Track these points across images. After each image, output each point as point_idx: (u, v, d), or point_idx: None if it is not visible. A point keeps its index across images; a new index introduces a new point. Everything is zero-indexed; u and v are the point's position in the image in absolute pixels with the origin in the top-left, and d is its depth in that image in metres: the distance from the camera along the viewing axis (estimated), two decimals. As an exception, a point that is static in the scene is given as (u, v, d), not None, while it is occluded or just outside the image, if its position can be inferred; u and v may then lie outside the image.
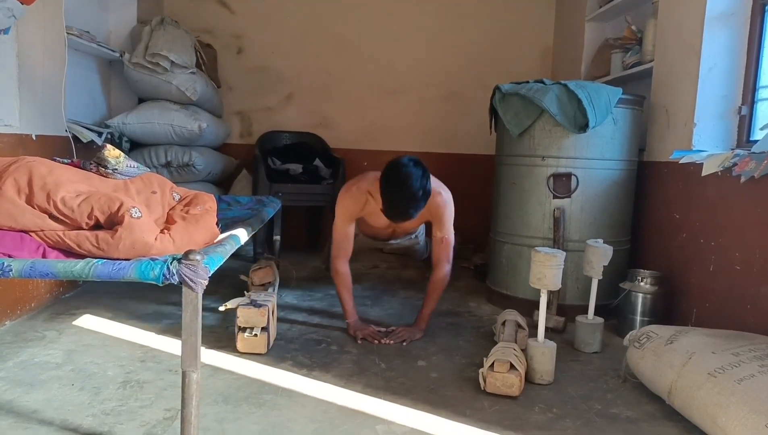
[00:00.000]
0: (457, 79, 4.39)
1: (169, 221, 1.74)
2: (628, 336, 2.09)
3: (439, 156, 4.35)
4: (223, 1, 4.25)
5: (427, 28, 4.37)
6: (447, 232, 2.45)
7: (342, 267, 2.45)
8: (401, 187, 2.15)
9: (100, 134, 3.08)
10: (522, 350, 2.07)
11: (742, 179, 2.19)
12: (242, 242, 1.92)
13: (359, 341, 2.36)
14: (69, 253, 1.53)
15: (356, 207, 2.42)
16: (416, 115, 4.42)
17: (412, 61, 4.38)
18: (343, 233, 2.45)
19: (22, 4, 2.19)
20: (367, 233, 2.77)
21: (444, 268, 2.46)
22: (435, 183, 2.42)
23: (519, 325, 2.33)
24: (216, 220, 1.83)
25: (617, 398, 1.95)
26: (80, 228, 1.54)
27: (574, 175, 2.71)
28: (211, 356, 2.12)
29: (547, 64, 4.45)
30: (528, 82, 2.82)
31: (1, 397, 1.74)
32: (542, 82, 2.77)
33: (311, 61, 4.33)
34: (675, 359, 1.81)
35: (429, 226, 2.57)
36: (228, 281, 3.06)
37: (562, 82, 2.70)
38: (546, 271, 2.02)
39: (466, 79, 4.37)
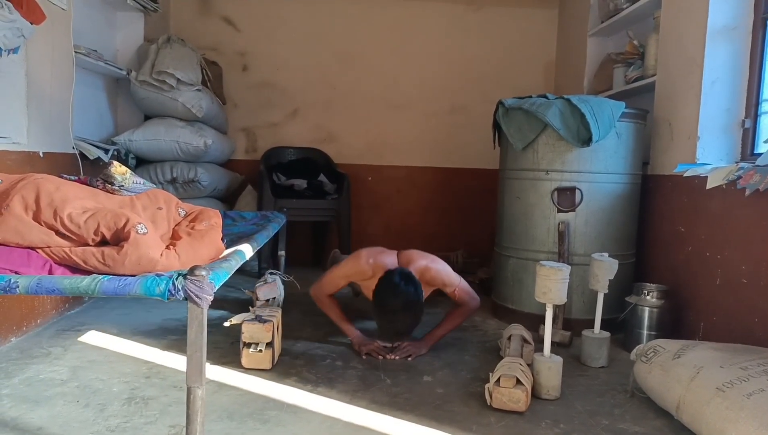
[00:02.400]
0: (461, 93, 4.42)
1: (174, 237, 1.75)
2: (635, 350, 2.08)
3: (444, 170, 4.37)
4: (229, 18, 4.30)
5: (431, 43, 4.41)
6: (455, 286, 2.48)
7: (323, 296, 2.52)
8: (394, 310, 2.20)
9: (106, 151, 3.11)
10: (528, 365, 2.06)
11: (747, 192, 2.19)
12: (247, 257, 1.92)
13: (364, 356, 2.35)
14: (75, 269, 1.54)
15: (357, 277, 2.49)
16: (420, 130, 4.44)
17: (416, 75, 4.41)
18: (334, 284, 2.52)
19: (32, 23, 2.23)
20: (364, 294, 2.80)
21: (470, 304, 2.50)
22: (421, 258, 2.46)
23: (525, 340, 2.31)
24: (221, 235, 1.84)
25: (625, 413, 1.93)
26: (86, 244, 1.55)
27: (579, 188, 2.71)
28: (216, 372, 2.12)
29: (550, 79, 4.47)
30: (531, 96, 2.84)
31: (6, 413, 1.74)
32: (545, 96, 2.79)
33: (316, 76, 4.37)
34: (683, 374, 1.79)
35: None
36: (233, 297, 3.06)
37: (565, 96, 2.71)
38: (551, 285, 2.01)
39: (469, 93, 4.40)
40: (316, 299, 2.54)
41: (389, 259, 2.42)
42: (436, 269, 2.46)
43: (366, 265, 2.41)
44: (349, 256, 2.65)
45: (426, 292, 2.41)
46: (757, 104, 2.53)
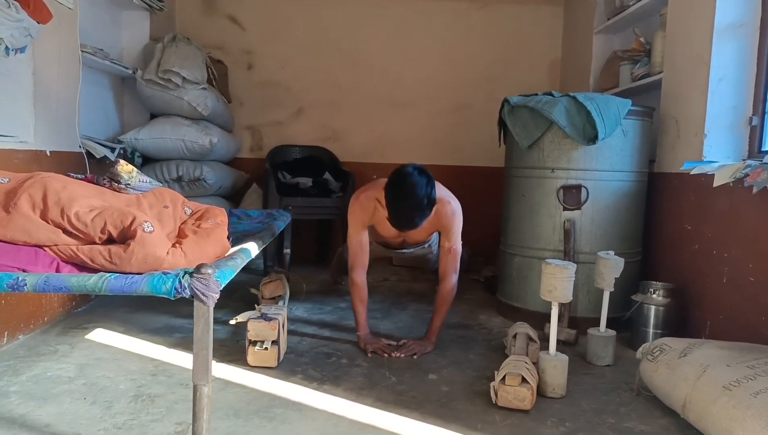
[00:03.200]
0: (466, 91, 4.41)
1: (180, 235, 1.75)
2: (641, 349, 2.07)
3: (448, 168, 4.36)
4: (234, 17, 4.31)
5: (436, 40, 4.40)
6: (455, 243, 2.45)
7: (358, 278, 2.45)
8: (406, 196, 2.16)
9: (113, 150, 3.12)
10: (533, 363, 2.06)
11: (755, 190, 2.17)
12: (253, 256, 1.93)
13: (369, 354, 2.36)
14: (82, 267, 1.55)
15: (365, 215, 2.42)
16: (425, 128, 4.43)
17: (421, 74, 4.40)
18: (357, 242, 2.44)
19: (38, 23, 2.24)
20: (378, 241, 2.77)
21: (451, 279, 2.46)
22: (444, 192, 2.42)
23: (530, 338, 2.31)
24: (227, 233, 1.85)
25: (631, 412, 1.92)
26: (93, 242, 1.56)
27: (584, 186, 2.70)
28: (222, 370, 2.13)
29: (555, 77, 4.46)
30: (537, 94, 2.83)
31: (14, 410, 1.75)
32: (551, 94, 2.78)
33: (321, 75, 4.37)
34: (689, 372, 1.79)
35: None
36: (239, 295, 3.07)
37: (571, 94, 2.70)
38: (557, 284, 2.01)
39: (474, 91, 4.39)
40: (351, 281, 2.46)
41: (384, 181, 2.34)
42: (453, 210, 2.41)
43: (365, 199, 2.39)
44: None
45: (428, 232, 2.32)
46: (765, 101, 2.51)
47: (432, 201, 2.19)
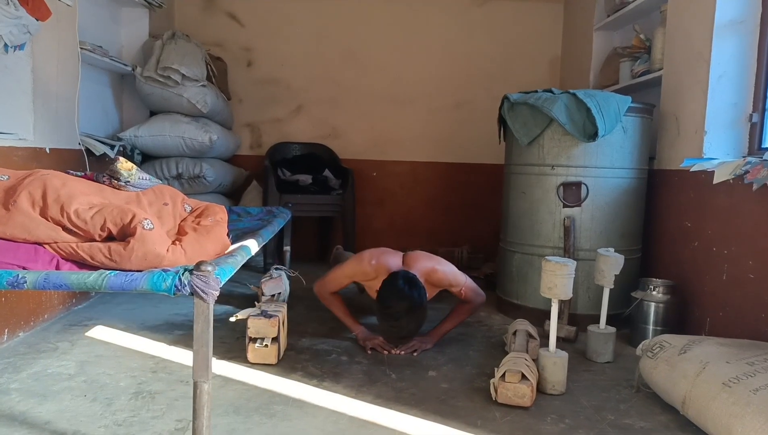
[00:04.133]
0: (466, 88, 4.40)
1: (180, 232, 1.75)
2: (640, 345, 2.07)
3: (448, 165, 4.36)
4: (233, 14, 4.30)
5: (436, 38, 4.39)
6: (461, 285, 2.48)
7: (326, 293, 2.53)
8: (398, 316, 2.21)
9: (112, 147, 3.12)
10: (533, 360, 2.06)
11: (755, 187, 2.17)
12: (253, 253, 1.92)
13: (369, 351, 2.36)
14: (82, 264, 1.55)
15: (360, 277, 2.50)
16: (425, 125, 4.43)
17: (420, 71, 4.40)
18: (338, 283, 2.53)
19: (37, 20, 2.24)
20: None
21: (475, 301, 2.51)
22: (426, 261, 2.46)
23: (530, 335, 2.31)
24: (227, 231, 1.85)
25: (630, 408, 1.93)
26: (93, 240, 1.56)
27: (584, 183, 2.70)
28: (222, 367, 2.13)
29: (555, 74, 4.45)
30: (537, 91, 2.82)
31: (14, 408, 1.75)
32: (551, 91, 2.77)
33: (320, 72, 4.36)
34: (689, 369, 1.79)
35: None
36: (239, 292, 3.07)
37: (571, 91, 2.70)
38: (557, 281, 2.01)
39: (474, 88, 4.38)
40: (320, 296, 2.55)
41: (393, 259, 2.42)
42: (443, 271, 2.46)
43: (369, 267, 2.42)
44: (353, 255, 2.65)
45: (432, 293, 2.41)
46: (765, 99, 2.51)
47: (422, 315, 2.26)
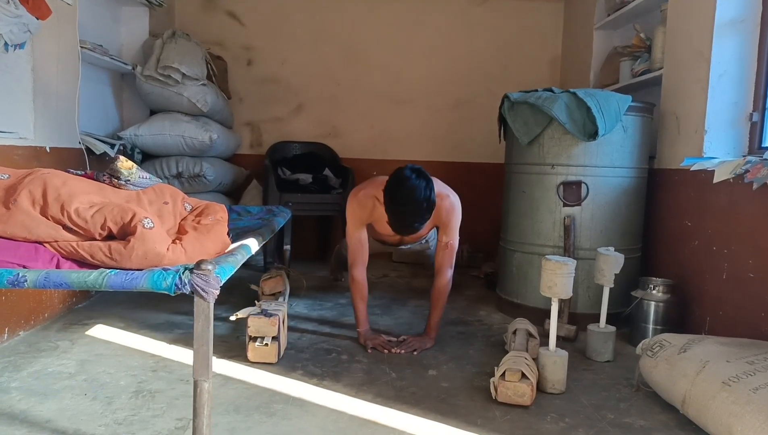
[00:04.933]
0: (466, 87, 4.40)
1: (180, 231, 1.75)
2: (640, 344, 2.07)
3: (448, 165, 4.36)
4: (234, 13, 4.30)
5: (436, 37, 4.39)
6: (453, 238, 2.44)
7: (358, 275, 2.44)
8: (405, 202, 2.14)
9: (112, 146, 3.12)
10: (533, 359, 2.06)
11: (755, 186, 2.17)
12: (253, 252, 1.93)
13: (369, 351, 2.36)
14: (82, 263, 1.55)
15: (364, 213, 2.41)
16: (425, 124, 4.43)
17: (420, 70, 4.40)
18: (356, 239, 2.44)
19: (38, 19, 2.23)
20: (377, 238, 2.77)
21: (446, 274, 2.46)
22: (442, 187, 2.42)
23: (530, 334, 2.31)
24: (227, 230, 1.85)
25: (630, 407, 1.93)
26: (93, 238, 1.56)
27: (584, 183, 2.70)
28: (222, 366, 2.13)
29: (555, 73, 4.45)
30: (537, 90, 2.82)
31: (15, 406, 1.76)
32: (551, 90, 2.77)
33: (320, 71, 4.36)
34: (689, 368, 1.79)
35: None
36: (239, 291, 3.08)
37: (571, 90, 2.70)
38: (557, 280, 2.01)
39: (474, 87, 4.38)
40: (351, 278, 2.45)
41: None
42: (452, 204, 2.40)
43: (364, 198, 2.38)
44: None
45: (427, 229, 2.30)
46: (765, 98, 2.51)
47: (431, 205, 2.18)
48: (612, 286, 2.36)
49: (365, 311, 2.48)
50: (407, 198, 2.13)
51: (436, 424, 1.75)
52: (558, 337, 2.12)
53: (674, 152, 2.80)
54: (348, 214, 2.46)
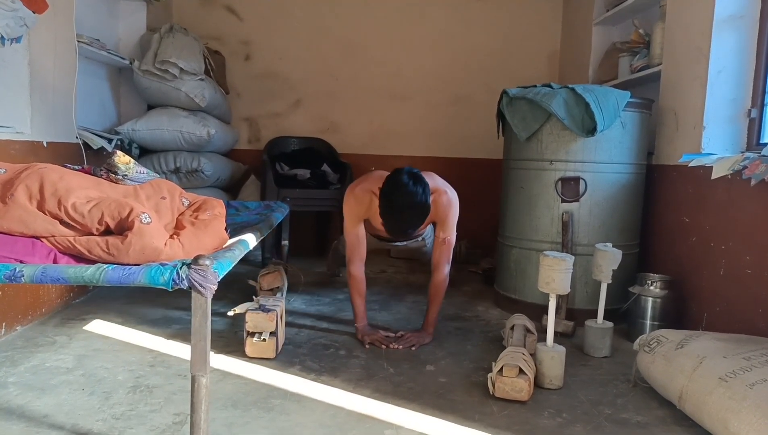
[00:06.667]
0: (464, 83, 4.40)
1: (178, 227, 1.75)
2: (638, 340, 2.08)
3: (446, 160, 4.36)
4: (232, 8, 4.28)
5: (434, 32, 4.38)
6: (450, 234, 2.44)
7: (356, 271, 2.45)
8: (401, 209, 2.16)
9: (110, 141, 3.11)
10: (531, 355, 2.06)
11: (753, 182, 2.18)
12: (251, 247, 1.92)
13: (367, 346, 2.36)
14: (80, 258, 1.54)
15: (361, 208, 2.41)
16: (423, 120, 4.42)
17: (419, 65, 4.39)
18: (354, 235, 2.44)
19: (34, 13, 2.22)
20: (373, 234, 2.77)
21: (444, 269, 2.46)
22: (440, 183, 2.42)
23: (528, 330, 2.32)
24: (225, 225, 1.84)
25: (627, 403, 1.93)
26: (91, 233, 1.56)
27: (583, 178, 2.70)
28: (220, 361, 2.13)
29: (554, 69, 4.44)
30: (535, 86, 2.82)
31: (12, 401, 1.75)
32: (549, 86, 2.77)
33: (319, 66, 4.35)
34: (686, 364, 1.80)
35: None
36: (237, 286, 3.07)
37: (570, 85, 2.70)
38: (555, 275, 2.01)
39: (473, 83, 4.38)
40: (348, 274, 2.46)
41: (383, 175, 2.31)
42: (449, 200, 2.39)
43: (361, 193, 2.37)
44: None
45: (423, 226, 2.29)
46: (764, 94, 2.51)
47: (426, 211, 2.19)
48: (610, 281, 2.36)
49: (363, 307, 2.48)
50: (403, 205, 2.15)
51: (434, 420, 1.76)
52: (555, 333, 2.12)
53: (673, 148, 2.80)
54: (345, 210, 2.45)
